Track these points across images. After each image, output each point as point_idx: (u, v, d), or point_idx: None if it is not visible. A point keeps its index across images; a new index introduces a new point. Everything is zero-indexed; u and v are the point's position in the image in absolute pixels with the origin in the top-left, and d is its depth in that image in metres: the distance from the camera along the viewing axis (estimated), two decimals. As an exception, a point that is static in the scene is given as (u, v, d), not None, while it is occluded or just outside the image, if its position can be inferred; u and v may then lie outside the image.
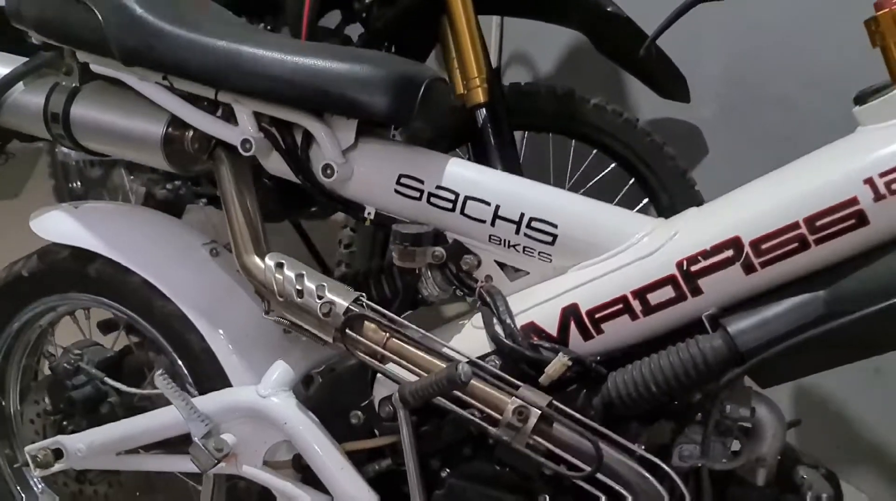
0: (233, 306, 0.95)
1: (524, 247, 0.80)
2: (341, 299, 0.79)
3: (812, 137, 1.38)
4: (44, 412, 1.05)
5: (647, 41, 0.95)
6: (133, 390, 0.99)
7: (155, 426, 0.91)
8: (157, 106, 0.89)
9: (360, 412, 0.86)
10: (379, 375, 0.83)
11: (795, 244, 0.67)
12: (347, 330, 0.78)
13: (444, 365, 0.76)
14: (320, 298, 0.80)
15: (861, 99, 0.68)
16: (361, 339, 0.78)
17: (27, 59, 0.98)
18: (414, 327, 0.79)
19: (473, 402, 0.73)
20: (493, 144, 1.39)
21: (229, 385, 0.93)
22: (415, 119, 0.81)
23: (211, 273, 0.97)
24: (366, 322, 0.79)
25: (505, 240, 0.80)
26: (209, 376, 0.95)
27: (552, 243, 0.79)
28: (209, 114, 0.87)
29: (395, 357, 0.78)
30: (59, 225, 1.01)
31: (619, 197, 1.56)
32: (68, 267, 1.02)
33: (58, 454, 0.99)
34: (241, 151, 0.86)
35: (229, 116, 0.87)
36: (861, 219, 0.64)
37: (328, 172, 0.83)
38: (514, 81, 1.52)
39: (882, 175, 0.63)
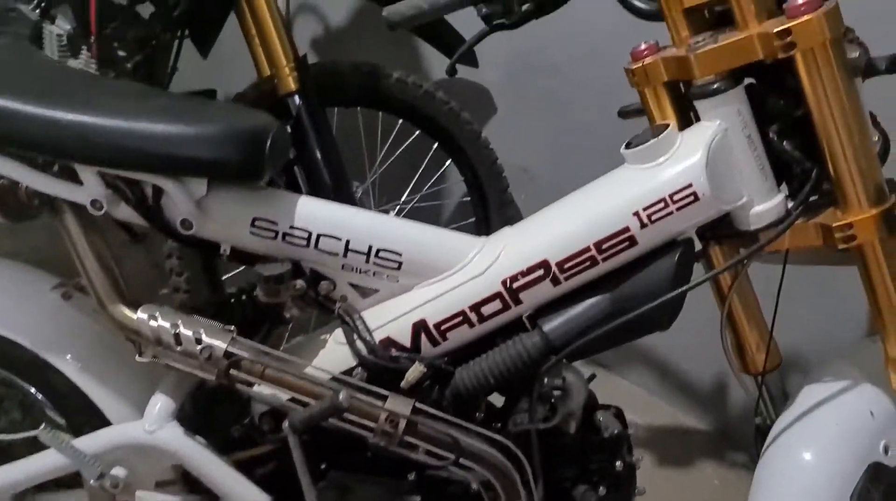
0: (95, 346, 1.00)
1: (374, 272, 0.93)
2: (219, 342, 0.89)
3: (584, 100, 1.62)
4: None
5: (449, 63, 1.09)
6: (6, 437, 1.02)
7: (44, 470, 0.96)
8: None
9: (240, 427, 0.98)
10: (255, 391, 0.95)
11: (588, 262, 0.87)
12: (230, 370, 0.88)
13: (316, 385, 0.89)
14: (199, 343, 0.88)
15: (628, 144, 0.87)
16: (243, 375, 0.89)
17: None
18: (285, 356, 0.91)
19: (350, 416, 0.88)
20: (309, 128, 1.47)
21: (104, 418, 0.99)
22: (264, 173, 0.89)
23: (67, 317, 1.00)
24: (243, 361, 0.90)
25: (357, 267, 0.93)
26: (81, 411, 1.00)
27: (398, 268, 0.93)
28: (49, 174, 0.89)
29: (274, 385, 0.90)
30: None
31: (426, 160, 1.72)
32: None
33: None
34: (91, 210, 0.89)
35: (71, 175, 0.89)
36: (632, 241, 0.85)
37: (186, 225, 0.90)
38: (317, 61, 1.58)
39: (645, 209, 0.84)
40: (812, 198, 0.85)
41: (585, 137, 1.65)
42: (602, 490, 0.98)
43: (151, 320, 0.89)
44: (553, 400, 0.94)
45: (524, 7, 0.99)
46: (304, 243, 0.92)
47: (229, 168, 0.87)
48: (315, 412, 0.84)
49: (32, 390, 1.02)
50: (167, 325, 0.89)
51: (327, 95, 1.56)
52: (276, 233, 0.91)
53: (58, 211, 0.92)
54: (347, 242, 0.92)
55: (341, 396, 0.83)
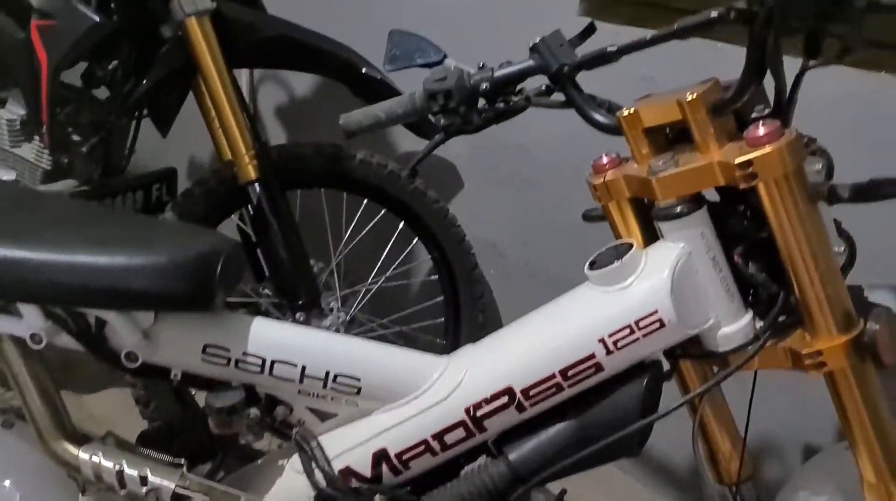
0: (38, 477, 0.95)
1: (332, 397, 0.89)
2: (167, 482, 0.84)
3: (551, 179, 1.60)
4: None
5: (409, 166, 1.07)
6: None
7: None
8: None
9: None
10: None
11: (554, 389, 0.83)
12: (179, 513, 0.84)
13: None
14: (144, 483, 0.84)
15: (592, 264, 0.84)
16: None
17: None
18: (238, 493, 0.87)
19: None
20: (270, 215, 1.44)
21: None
22: (215, 300, 0.85)
23: (6, 446, 0.95)
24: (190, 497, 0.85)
25: (314, 393, 0.89)
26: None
27: (357, 393, 0.89)
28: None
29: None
30: None
31: (392, 240, 1.69)
32: None
33: None
34: (31, 344, 0.85)
35: (9, 308, 0.85)
36: (598, 367, 0.82)
37: (132, 357, 0.85)
38: (279, 143, 1.55)
39: (610, 336, 0.81)
40: (780, 318, 0.82)
41: (553, 214, 1.63)
42: None
43: (93, 458, 0.84)
44: (522, 523, 0.90)
45: (483, 116, 0.97)
46: (258, 369, 0.88)
47: (178, 299, 0.83)
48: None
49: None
50: (110, 465, 0.84)
51: (290, 177, 1.53)
52: (229, 360, 0.87)
53: (-4, 343, 0.88)
54: (303, 367, 0.88)
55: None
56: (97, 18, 1.31)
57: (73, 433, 0.88)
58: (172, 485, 0.84)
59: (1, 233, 0.82)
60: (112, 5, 1.36)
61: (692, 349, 0.86)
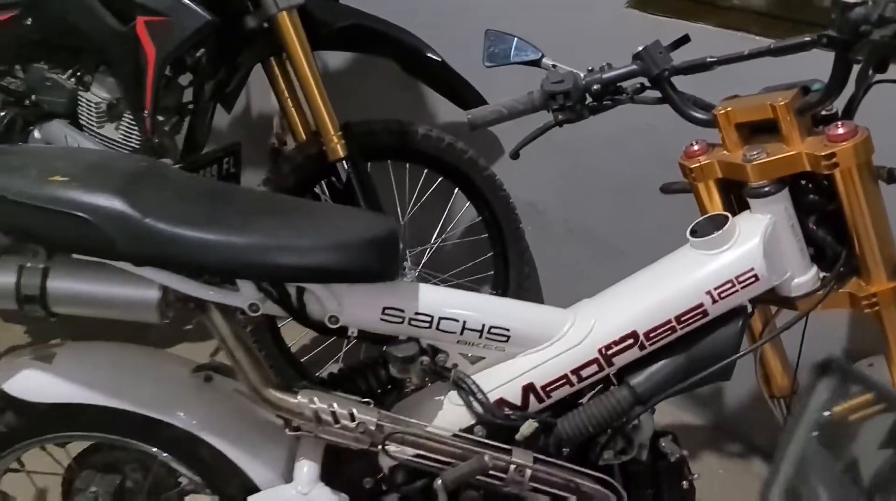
0: (238, 421, 1.14)
1: (484, 345, 1.11)
2: (370, 417, 1.04)
3: (591, 148, 1.81)
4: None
5: (514, 149, 1.27)
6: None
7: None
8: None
9: (369, 479, 1.14)
10: (381, 451, 1.11)
11: (669, 331, 1.06)
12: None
13: (446, 443, 1.06)
14: (353, 419, 1.04)
15: (694, 232, 1.07)
16: (391, 447, 1.05)
17: None
18: (417, 422, 1.08)
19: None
20: (358, 189, 1.61)
21: (250, 481, 1.13)
22: (398, 273, 1.04)
23: (209, 397, 1.13)
24: (386, 427, 1.06)
25: (470, 342, 1.10)
26: (226, 478, 1.13)
27: (506, 341, 1.10)
28: (208, 284, 1.01)
29: (414, 448, 1.06)
30: (39, 382, 1.08)
31: (450, 202, 1.88)
32: (56, 418, 1.10)
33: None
34: (248, 313, 1.03)
35: (229, 284, 1.02)
36: (705, 313, 1.06)
37: (333, 320, 1.05)
38: (351, 121, 1.71)
39: (716, 289, 1.04)
40: (841, 270, 1.07)
41: (593, 177, 1.85)
42: (670, 505, 1.20)
43: (311, 403, 1.04)
44: (630, 436, 1.15)
45: (590, 109, 1.18)
46: (427, 325, 1.08)
47: (372, 273, 1.02)
48: (464, 471, 1.02)
49: (174, 461, 1.15)
50: (325, 406, 1.04)
51: (363, 152, 1.70)
52: (404, 318, 1.07)
53: (207, 312, 1.05)
54: (464, 322, 1.09)
55: (486, 458, 1.01)
56: (209, 16, 1.44)
57: (278, 383, 1.07)
58: (374, 419, 1.04)
59: (217, 222, 0.99)
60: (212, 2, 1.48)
61: (770, 297, 1.10)
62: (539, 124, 1.25)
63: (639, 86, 1.17)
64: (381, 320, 1.07)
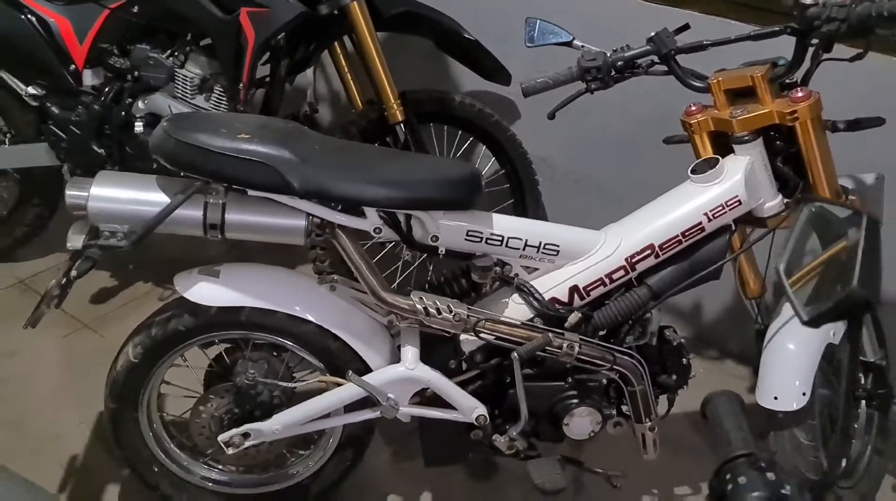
0: (355, 317, 1.50)
1: (539, 258, 1.49)
2: (462, 311, 1.42)
3: (599, 110, 2.19)
4: (229, 412, 1.52)
5: (551, 111, 1.64)
6: (293, 384, 1.52)
7: (336, 400, 1.47)
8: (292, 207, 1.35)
9: (454, 361, 1.52)
10: (461, 338, 1.49)
11: (677, 243, 1.46)
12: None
13: (517, 330, 1.45)
14: (450, 311, 1.42)
15: (693, 171, 1.46)
16: (483, 331, 1.43)
17: (181, 185, 1.33)
18: (496, 314, 1.46)
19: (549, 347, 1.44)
20: (415, 149, 1.97)
21: (366, 365, 1.50)
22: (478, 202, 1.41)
23: (335, 300, 1.49)
24: (473, 317, 1.44)
25: (529, 256, 1.48)
26: (346, 362, 1.50)
27: (556, 255, 1.49)
28: (342, 213, 1.37)
29: (493, 332, 1.45)
30: (210, 290, 1.43)
31: (480, 157, 2.25)
32: (221, 319, 1.46)
33: (246, 436, 1.49)
34: (373, 235, 1.40)
35: (357, 212, 1.38)
36: (702, 230, 1.45)
37: (433, 239, 1.42)
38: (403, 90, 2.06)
39: (711, 211, 1.43)
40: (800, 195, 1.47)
41: (596, 135, 2.23)
42: (673, 377, 1.60)
43: (419, 302, 1.41)
44: (645, 325, 1.55)
45: (614, 79, 1.55)
46: (499, 243, 1.46)
47: (463, 202, 1.39)
48: (535, 345, 1.41)
49: (304, 352, 1.51)
50: (431, 303, 1.41)
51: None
52: (482, 239, 1.45)
53: (336, 236, 1.41)
54: (525, 241, 1.47)
55: (550, 335, 1.40)
56: (303, 7, 1.77)
57: (392, 289, 1.44)
58: (465, 312, 1.42)
59: (352, 166, 1.35)
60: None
61: (747, 218, 1.50)
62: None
63: (650, 62, 1.55)
64: (465, 240, 1.45)
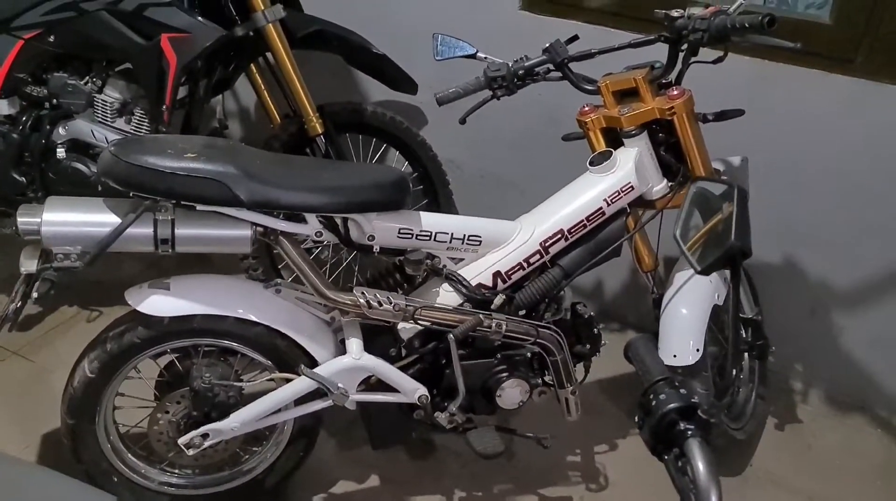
0: (301, 316, 1.63)
1: (464, 249, 1.66)
2: (401, 301, 1.57)
3: (494, 115, 2.39)
4: (186, 416, 1.60)
5: (462, 117, 1.82)
6: (245, 383, 1.62)
7: (290, 394, 1.59)
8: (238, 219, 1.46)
9: (394, 348, 1.67)
10: (400, 327, 1.64)
11: (583, 227, 1.66)
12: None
13: (451, 315, 1.61)
14: (391, 303, 1.56)
15: (591, 163, 1.67)
16: (421, 318, 1.59)
17: (129, 206, 1.41)
18: (430, 302, 1.62)
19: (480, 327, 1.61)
20: (334, 157, 2.10)
21: (313, 361, 1.62)
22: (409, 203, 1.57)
23: (280, 302, 1.61)
24: (411, 306, 1.59)
25: (455, 247, 1.65)
26: (294, 359, 1.62)
27: (479, 245, 1.66)
28: (285, 220, 1.50)
29: (429, 318, 1.61)
30: (162, 302, 1.51)
31: (394, 162, 2.41)
32: (174, 329, 1.55)
33: (205, 437, 1.59)
34: (314, 238, 1.53)
35: (298, 219, 1.51)
36: (603, 214, 1.66)
37: (370, 239, 1.56)
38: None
39: (609, 197, 1.65)
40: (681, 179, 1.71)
41: (496, 137, 2.43)
42: (587, 346, 1.81)
43: (361, 297, 1.55)
44: (559, 302, 1.75)
45: (517, 86, 1.75)
46: (428, 238, 1.62)
47: (395, 203, 1.55)
48: (468, 326, 1.58)
49: (254, 352, 1.62)
50: (371, 296, 1.56)
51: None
52: (412, 235, 1.61)
53: (279, 242, 1.53)
54: (451, 234, 1.64)
55: (480, 316, 1.58)
56: (223, 31, 1.86)
57: (334, 288, 1.57)
58: (404, 303, 1.57)
59: (292, 177, 1.47)
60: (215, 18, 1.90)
61: (639, 201, 1.73)
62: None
63: (547, 69, 1.76)
64: (398, 237, 1.60)
